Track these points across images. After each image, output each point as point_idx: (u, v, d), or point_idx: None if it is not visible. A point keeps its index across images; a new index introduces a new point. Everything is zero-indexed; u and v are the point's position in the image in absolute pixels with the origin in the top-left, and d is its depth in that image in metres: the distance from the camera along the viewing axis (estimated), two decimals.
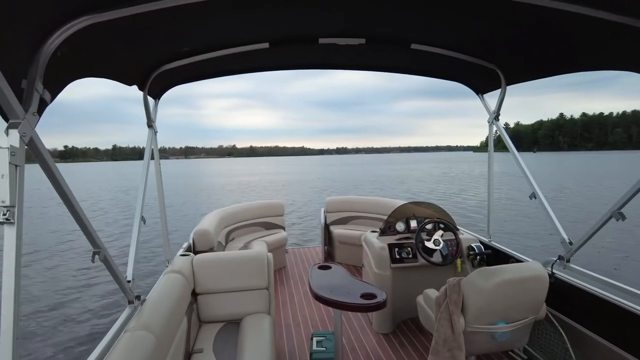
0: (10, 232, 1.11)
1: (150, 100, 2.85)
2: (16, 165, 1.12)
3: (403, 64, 3.28)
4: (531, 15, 1.88)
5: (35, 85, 1.23)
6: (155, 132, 2.94)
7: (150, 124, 2.88)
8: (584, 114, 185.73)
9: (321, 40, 2.44)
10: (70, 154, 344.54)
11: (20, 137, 1.15)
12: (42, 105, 1.29)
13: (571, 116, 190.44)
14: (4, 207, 1.09)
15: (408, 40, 2.55)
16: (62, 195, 1.48)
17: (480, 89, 3.54)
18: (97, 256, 1.77)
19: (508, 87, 3.14)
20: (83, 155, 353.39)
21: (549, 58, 2.47)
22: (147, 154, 2.78)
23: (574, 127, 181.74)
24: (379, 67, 3.33)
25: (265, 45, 2.46)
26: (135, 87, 2.52)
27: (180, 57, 2.48)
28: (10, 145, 1.11)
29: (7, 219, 1.09)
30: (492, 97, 3.49)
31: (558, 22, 1.89)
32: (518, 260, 3.13)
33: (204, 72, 2.97)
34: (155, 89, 2.88)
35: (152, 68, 2.49)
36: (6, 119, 1.15)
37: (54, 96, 1.37)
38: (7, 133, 1.14)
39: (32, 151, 1.26)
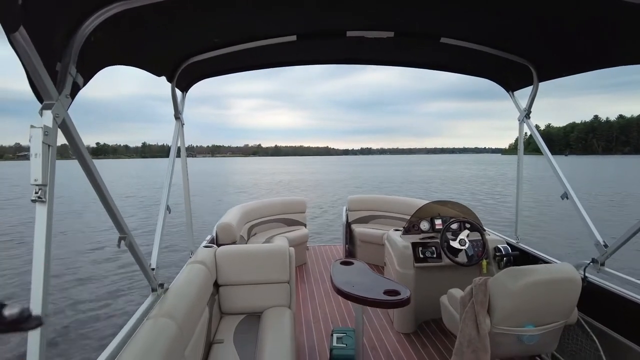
0: (41, 210, 1.14)
1: (178, 92, 2.89)
2: (49, 145, 1.15)
3: (432, 59, 3.19)
4: (566, 5, 1.79)
5: (69, 69, 1.27)
6: (182, 125, 2.99)
7: (178, 116, 2.93)
8: (620, 116, 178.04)
9: (349, 33, 2.40)
10: (102, 151, 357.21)
11: (54, 118, 1.18)
12: (75, 89, 1.33)
13: (607, 118, 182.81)
14: (37, 185, 1.12)
15: (438, 33, 2.48)
16: (91, 180, 1.51)
17: (511, 86, 3.41)
18: (122, 242, 1.80)
19: (539, 85, 3.02)
20: (114, 152, 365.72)
21: (586, 51, 2.34)
22: (173, 146, 2.83)
23: (609, 130, 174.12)
24: (407, 62, 3.26)
25: (293, 38, 2.44)
26: (163, 84, 2.57)
27: (208, 50, 2.50)
28: (44, 125, 1.15)
29: (39, 197, 1.13)
30: (522, 97, 3.37)
31: (595, 11, 1.79)
32: (547, 263, 3.01)
33: (231, 65, 2.99)
34: (183, 81, 2.93)
35: (181, 59, 2.53)
36: (40, 100, 1.19)
37: (86, 81, 1.42)
38: (41, 114, 1.18)
39: (64, 132, 1.29)
